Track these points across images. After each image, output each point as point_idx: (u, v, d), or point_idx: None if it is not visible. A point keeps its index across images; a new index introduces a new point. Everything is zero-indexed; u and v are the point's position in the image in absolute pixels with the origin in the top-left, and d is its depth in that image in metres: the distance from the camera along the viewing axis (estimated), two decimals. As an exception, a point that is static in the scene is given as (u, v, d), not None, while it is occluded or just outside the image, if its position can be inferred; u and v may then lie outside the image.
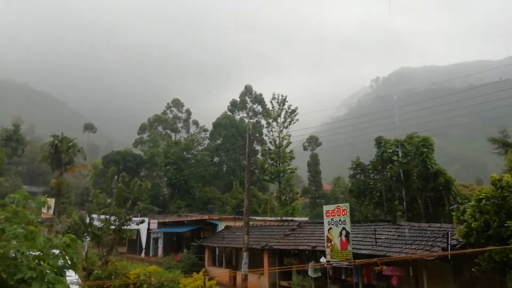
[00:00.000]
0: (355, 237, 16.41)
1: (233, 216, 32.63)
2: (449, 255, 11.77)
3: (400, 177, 25.69)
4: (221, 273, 23.54)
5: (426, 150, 25.29)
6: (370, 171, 28.97)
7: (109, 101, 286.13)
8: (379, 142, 28.06)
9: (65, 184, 42.82)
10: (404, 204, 26.18)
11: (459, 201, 22.18)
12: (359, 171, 29.42)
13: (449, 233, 13.27)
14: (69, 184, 52.05)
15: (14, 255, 4.67)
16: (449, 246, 11.93)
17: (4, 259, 4.54)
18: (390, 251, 13.99)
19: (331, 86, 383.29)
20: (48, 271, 4.83)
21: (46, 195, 39.32)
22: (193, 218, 32.77)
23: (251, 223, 23.91)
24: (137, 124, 70.73)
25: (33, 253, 4.92)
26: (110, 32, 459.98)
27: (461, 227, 11.65)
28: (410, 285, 14.33)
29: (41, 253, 5.09)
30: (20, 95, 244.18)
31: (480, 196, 10.22)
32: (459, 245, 11.76)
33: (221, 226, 29.68)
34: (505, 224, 9.41)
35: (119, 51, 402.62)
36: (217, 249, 26.51)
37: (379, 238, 15.74)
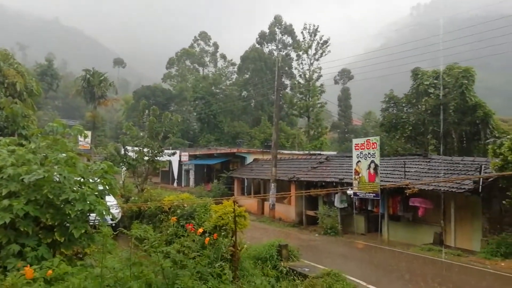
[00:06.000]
0: (384, 170, 16.43)
1: (261, 149, 33.20)
2: (480, 188, 11.63)
3: (435, 110, 24.68)
4: (250, 202, 24.66)
5: (466, 81, 23.78)
6: (403, 105, 27.94)
7: (138, 36, 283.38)
8: (416, 74, 26.63)
9: (99, 117, 44.53)
10: (438, 138, 25.47)
11: (497, 135, 21.31)
12: (392, 105, 28.40)
13: (483, 166, 12.97)
14: (103, 118, 54.15)
15: (58, 179, 4.98)
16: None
17: (50, 182, 4.86)
18: (419, 184, 13.99)
19: (365, 15, 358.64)
20: (89, 194, 5.16)
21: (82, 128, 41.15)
22: (223, 151, 33.68)
23: (279, 156, 24.32)
24: (166, 59, 70.37)
25: (75, 178, 5.23)
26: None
27: (497, 160, 11.34)
28: (436, 217, 14.51)
29: (82, 178, 5.41)
30: (51, 31, 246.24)
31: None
32: (491, 179, 11.55)
33: (249, 159, 30.47)
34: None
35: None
36: (245, 180, 27.44)
37: (409, 171, 15.69)
